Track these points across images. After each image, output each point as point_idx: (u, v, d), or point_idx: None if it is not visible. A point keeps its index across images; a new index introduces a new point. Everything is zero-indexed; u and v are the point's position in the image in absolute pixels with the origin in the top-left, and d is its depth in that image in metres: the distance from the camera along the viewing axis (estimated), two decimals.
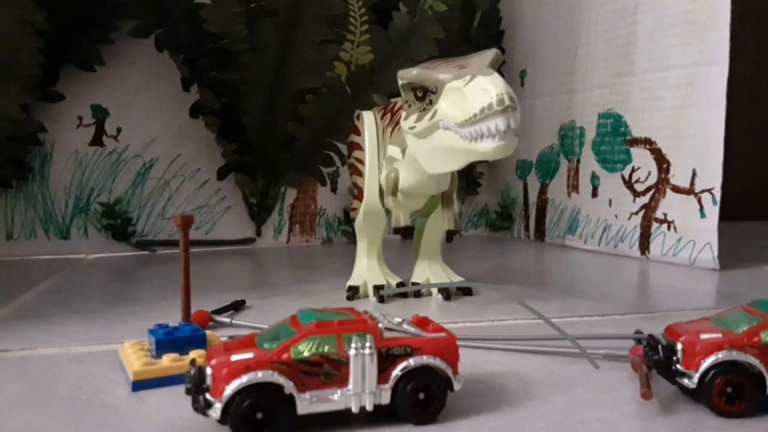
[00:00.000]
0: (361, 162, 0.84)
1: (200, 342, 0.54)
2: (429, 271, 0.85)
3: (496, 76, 0.60)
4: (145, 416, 0.45)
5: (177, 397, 0.49)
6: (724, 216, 1.03)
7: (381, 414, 0.43)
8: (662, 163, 1.13)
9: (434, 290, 0.84)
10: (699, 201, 1.06)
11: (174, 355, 0.52)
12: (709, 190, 1.05)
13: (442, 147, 0.66)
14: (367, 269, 0.84)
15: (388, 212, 0.82)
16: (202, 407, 0.40)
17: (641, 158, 1.17)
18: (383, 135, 0.82)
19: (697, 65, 1.05)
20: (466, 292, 0.84)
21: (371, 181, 0.82)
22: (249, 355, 0.40)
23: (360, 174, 0.84)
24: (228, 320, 0.69)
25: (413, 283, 0.85)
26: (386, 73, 1.27)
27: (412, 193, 0.79)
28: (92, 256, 1.20)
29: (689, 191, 1.08)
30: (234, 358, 0.40)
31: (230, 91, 1.24)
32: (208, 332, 0.57)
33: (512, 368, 0.55)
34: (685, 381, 0.45)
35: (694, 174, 1.07)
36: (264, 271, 1.14)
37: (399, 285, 0.83)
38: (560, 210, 1.37)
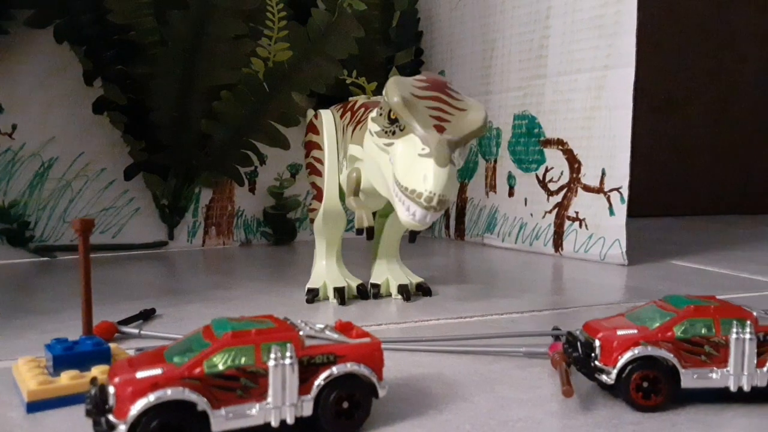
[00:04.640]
0: (320, 161, 0.82)
1: (104, 357, 0.50)
2: (388, 272, 0.84)
3: (444, 171, 0.63)
4: None
5: (77, 419, 0.45)
6: (630, 212, 1.08)
7: (302, 426, 0.41)
8: (574, 163, 1.17)
9: (394, 291, 0.83)
10: (608, 199, 1.11)
11: (74, 372, 0.48)
12: (617, 189, 1.09)
13: (381, 171, 0.69)
14: (327, 271, 0.83)
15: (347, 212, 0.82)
16: (105, 430, 0.37)
17: (554, 158, 1.20)
18: (343, 134, 0.81)
19: (605, 68, 1.10)
20: (425, 292, 0.84)
21: (331, 181, 0.81)
22: (156, 371, 0.38)
23: (318, 174, 0.83)
24: (136, 331, 0.65)
25: (372, 285, 0.84)
26: (305, 70, 1.25)
27: (374, 192, 0.77)
28: None
29: (599, 190, 1.12)
30: (140, 375, 0.37)
31: (138, 85, 1.18)
32: (112, 345, 0.53)
33: (436, 370, 0.55)
34: (604, 377, 0.46)
35: (603, 173, 1.11)
36: (177, 277, 1.09)
37: (359, 287, 0.82)
38: (479, 209, 1.39)
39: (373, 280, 0.84)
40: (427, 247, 1.36)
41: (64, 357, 0.49)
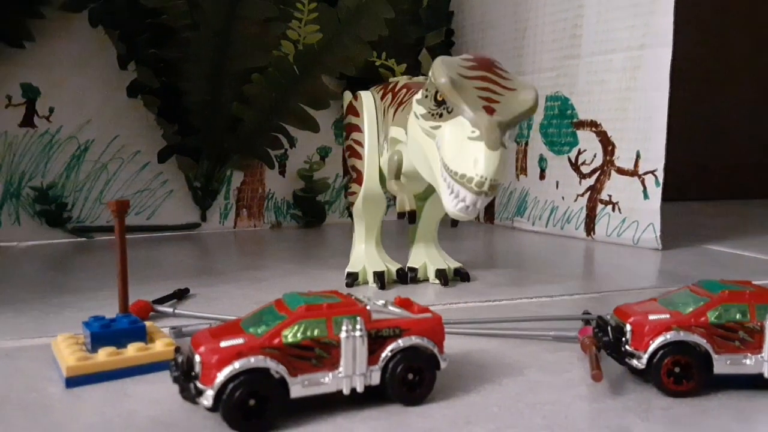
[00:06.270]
0: (360, 144, 0.81)
1: (139, 334, 0.51)
2: (426, 256, 0.83)
3: (495, 154, 0.60)
4: (79, 415, 0.43)
5: (114, 393, 0.46)
6: (664, 196, 1.06)
7: (370, 395, 0.43)
8: (607, 145, 1.15)
9: (431, 275, 0.82)
10: (642, 182, 1.09)
11: (111, 349, 0.49)
12: (652, 172, 1.07)
13: (425, 156, 0.66)
14: (366, 255, 0.82)
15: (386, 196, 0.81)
16: (193, 395, 0.39)
17: (587, 141, 1.18)
18: (384, 116, 0.80)
19: (641, 48, 1.07)
20: (463, 277, 0.83)
21: (371, 164, 0.80)
22: (239, 341, 0.40)
23: (359, 156, 0.81)
24: (170, 310, 0.66)
25: (409, 269, 0.83)
26: (335, 52, 1.24)
27: (416, 176, 0.75)
28: (25, 244, 1.14)
29: (633, 173, 1.10)
30: (224, 344, 0.40)
31: (170, 69, 1.19)
32: (148, 323, 0.54)
33: (464, 352, 0.55)
34: (634, 361, 0.46)
35: (638, 156, 1.09)
36: (209, 258, 1.10)
37: (398, 271, 0.81)
38: (509, 192, 1.38)
39: (410, 264, 0.83)
40: (456, 231, 1.35)
41: (102, 334, 0.50)
